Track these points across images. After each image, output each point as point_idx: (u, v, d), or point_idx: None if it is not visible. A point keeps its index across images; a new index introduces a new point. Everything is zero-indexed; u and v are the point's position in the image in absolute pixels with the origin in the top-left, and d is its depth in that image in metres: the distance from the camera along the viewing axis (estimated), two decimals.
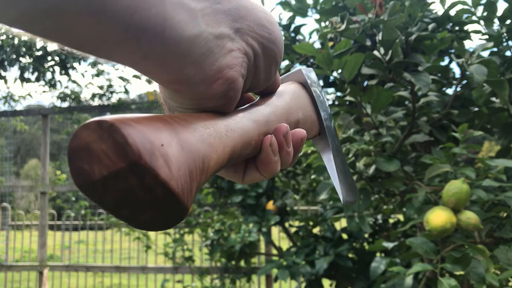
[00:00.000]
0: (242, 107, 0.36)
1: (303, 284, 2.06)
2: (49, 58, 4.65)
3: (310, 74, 0.45)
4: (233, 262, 3.05)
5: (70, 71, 4.83)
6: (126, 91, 4.85)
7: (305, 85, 0.44)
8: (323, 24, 1.65)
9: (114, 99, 4.88)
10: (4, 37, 4.52)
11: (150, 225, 0.24)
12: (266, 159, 0.35)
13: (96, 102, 4.91)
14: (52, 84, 4.84)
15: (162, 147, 0.23)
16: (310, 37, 1.75)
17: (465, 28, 1.43)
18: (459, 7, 1.39)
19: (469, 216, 1.15)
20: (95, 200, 0.24)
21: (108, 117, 0.23)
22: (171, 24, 0.26)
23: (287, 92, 0.41)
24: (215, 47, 0.29)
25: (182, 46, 0.27)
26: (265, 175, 0.36)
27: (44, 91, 5.01)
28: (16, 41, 4.48)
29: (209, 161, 0.27)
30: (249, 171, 0.37)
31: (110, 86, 4.86)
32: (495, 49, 1.35)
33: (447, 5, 1.43)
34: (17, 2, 0.21)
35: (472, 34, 1.43)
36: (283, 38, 0.35)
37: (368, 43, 1.35)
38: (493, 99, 1.38)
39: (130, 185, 0.23)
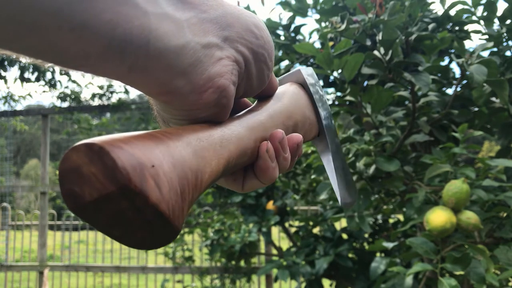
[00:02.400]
0: (238, 114, 0.35)
1: (303, 284, 2.06)
2: None
3: (310, 74, 0.44)
4: (233, 262, 3.06)
5: (70, 71, 4.83)
6: (126, 91, 4.86)
7: (304, 86, 0.43)
8: (323, 24, 1.65)
9: (114, 99, 4.89)
10: None
11: (142, 244, 0.25)
12: (264, 166, 0.35)
13: (96, 102, 4.92)
14: (52, 84, 4.85)
15: (152, 168, 0.23)
16: (310, 37, 1.75)
17: (465, 28, 1.43)
18: (459, 7, 1.39)
19: (469, 216, 1.15)
20: (87, 220, 0.24)
21: (97, 139, 0.23)
22: (156, 36, 0.25)
23: (286, 94, 0.40)
24: (204, 57, 0.28)
25: (169, 57, 0.26)
26: (264, 181, 0.36)
27: (44, 91, 5.02)
28: None
29: (203, 176, 0.27)
30: (248, 179, 0.37)
31: (110, 86, 4.87)
32: (495, 49, 1.35)
33: (447, 5, 1.43)
34: None
35: (472, 34, 1.43)
36: (273, 42, 0.35)
37: (368, 43, 1.35)
38: (493, 99, 1.38)
39: (121, 207, 0.23)
